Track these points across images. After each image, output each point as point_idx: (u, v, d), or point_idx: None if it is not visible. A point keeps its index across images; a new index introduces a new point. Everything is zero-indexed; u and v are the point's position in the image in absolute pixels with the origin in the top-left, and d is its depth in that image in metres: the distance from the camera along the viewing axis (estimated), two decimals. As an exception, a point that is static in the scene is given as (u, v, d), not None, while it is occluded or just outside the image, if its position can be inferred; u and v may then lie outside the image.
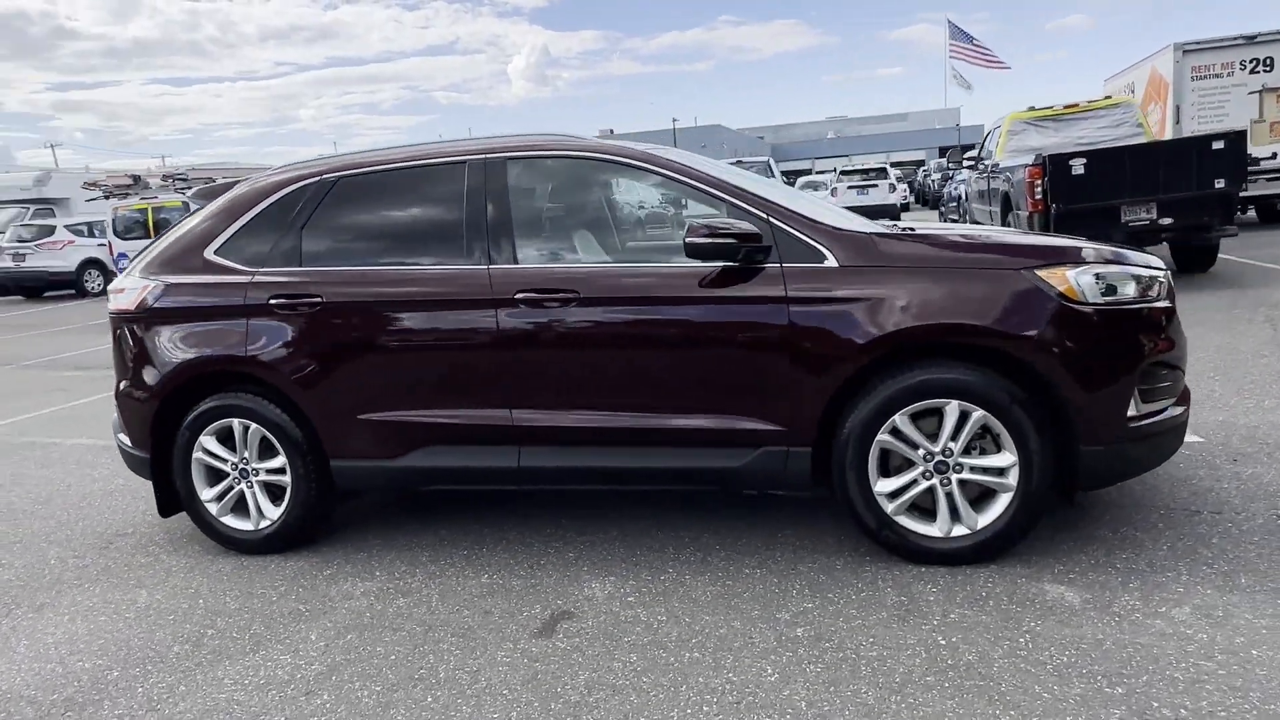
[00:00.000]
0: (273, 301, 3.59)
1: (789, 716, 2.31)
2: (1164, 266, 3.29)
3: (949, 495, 3.08)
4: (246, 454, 3.72)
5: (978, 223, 12.59)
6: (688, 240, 3.06)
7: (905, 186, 32.63)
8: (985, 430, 3.03)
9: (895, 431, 3.07)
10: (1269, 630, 2.52)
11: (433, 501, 4.20)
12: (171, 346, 3.73)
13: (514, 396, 3.39)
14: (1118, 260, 3.10)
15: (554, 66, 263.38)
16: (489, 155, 3.53)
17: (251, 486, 3.75)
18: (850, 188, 22.23)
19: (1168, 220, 8.31)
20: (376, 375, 3.52)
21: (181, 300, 3.75)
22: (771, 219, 3.18)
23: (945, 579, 3.00)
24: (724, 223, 3.07)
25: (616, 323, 3.26)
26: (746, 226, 3.08)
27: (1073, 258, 3.03)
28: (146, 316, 3.79)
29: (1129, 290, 3.05)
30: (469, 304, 3.38)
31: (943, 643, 2.61)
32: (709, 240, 3.03)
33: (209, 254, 3.79)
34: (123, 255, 14.10)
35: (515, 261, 3.40)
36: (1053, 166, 8.38)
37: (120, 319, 3.88)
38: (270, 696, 2.61)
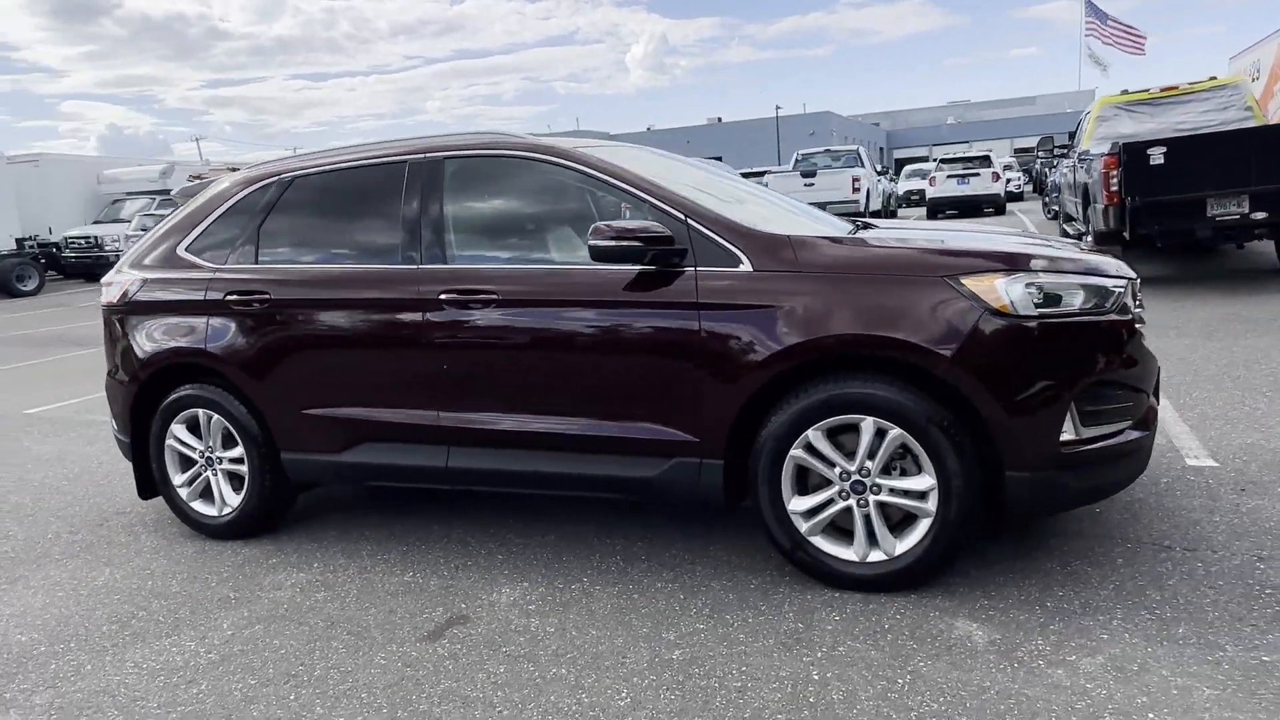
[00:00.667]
0: (229, 298, 3.72)
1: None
2: (1131, 276, 2.97)
3: (866, 517, 2.88)
4: (211, 443, 3.88)
5: (1069, 216, 11.78)
6: (590, 243, 2.96)
7: (1021, 175, 30.91)
8: (906, 450, 2.81)
9: (810, 447, 2.89)
10: (1180, 691, 2.24)
11: (405, 498, 4.27)
12: (146, 338, 3.92)
13: (441, 397, 3.39)
14: (1063, 269, 2.81)
15: (672, 55, 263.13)
16: (426, 155, 3.53)
17: (216, 474, 3.91)
18: (950, 177, 21.19)
19: (1261, 215, 7.51)
20: (320, 372, 3.59)
21: (156, 295, 3.94)
22: (690, 220, 3.05)
23: (855, 607, 2.81)
24: (629, 225, 2.96)
25: (533, 326, 3.20)
26: (656, 228, 2.96)
27: (1005, 265, 2.77)
28: (128, 309, 4.00)
29: (1075, 302, 2.76)
30: (401, 304, 3.40)
31: (815, 678, 2.44)
32: (612, 243, 2.93)
33: (181, 250, 3.96)
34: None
35: (444, 262, 3.39)
36: (1128, 155, 7.72)
37: (108, 310, 4.11)
38: (156, 683, 2.71)
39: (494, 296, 3.24)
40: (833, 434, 2.88)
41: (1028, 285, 2.73)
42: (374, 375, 3.50)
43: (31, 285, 18.66)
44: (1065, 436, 2.72)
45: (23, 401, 7.59)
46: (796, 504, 2.94)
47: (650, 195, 3.13)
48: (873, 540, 2.88)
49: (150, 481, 4.07)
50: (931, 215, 22.37)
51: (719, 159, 45.52)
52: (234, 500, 3.88)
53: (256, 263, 3.77)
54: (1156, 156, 7.61)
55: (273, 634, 2.98)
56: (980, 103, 77.09)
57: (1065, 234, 11.71)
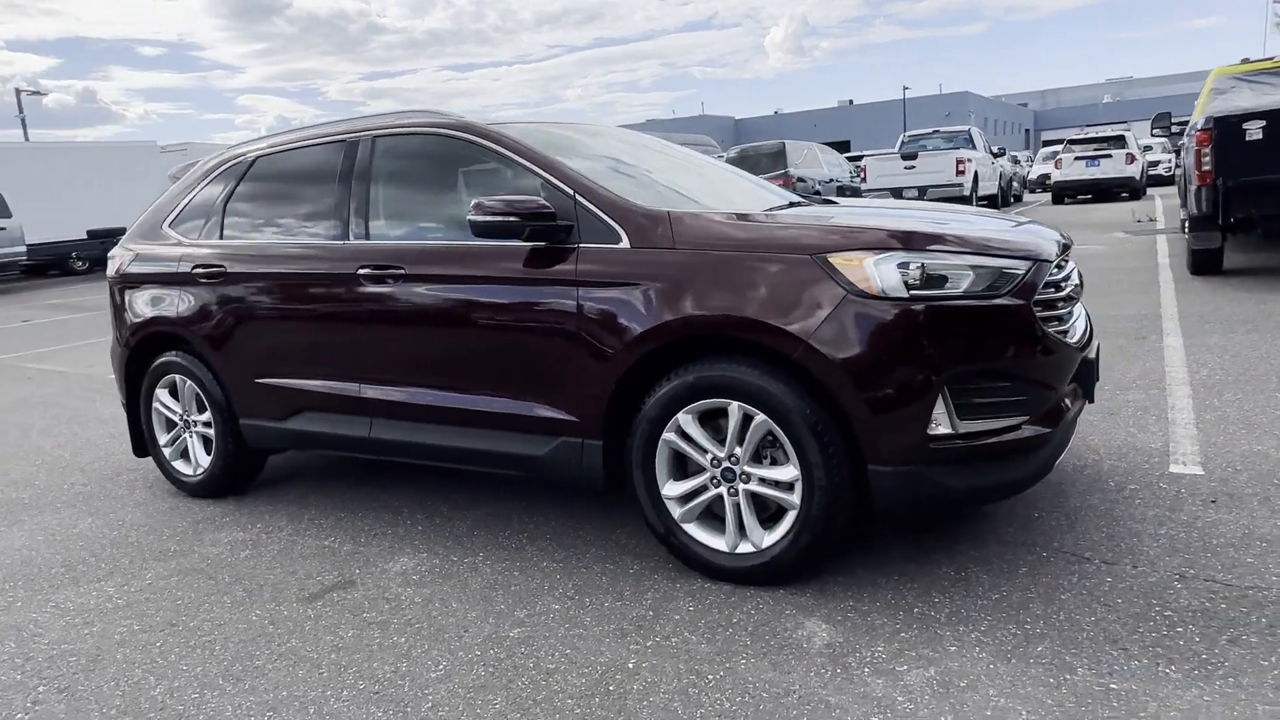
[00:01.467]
0: (194, 271, 3.96)
1: (399, 715, 2.23)
2: (1040, 257, 2.68)
3: (736, 506, 2.76)
4: (187, 407, 4.15)
5: (1185, 201, 10.71)
6: (469, 218, 2.96)
7: (1171, 157, 28.24)
8: (776, 439, 2.66)
9: (681, 431, 2.79)
10: (993, 713, 2.03)
11: (376, 468, 4.42)
12: (134, 308, 4.23)
13: (362, 370, 3.49)
14: (951, 248, 2.57)
15: (812, 36, 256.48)
16: (361, 134, 3.62)
17: (191, 437, 4.18)
18: (1078, 159, 19.64)
19: (1380, 197, 6.60)
20: (266, 344, 3.77)
21: (144, 268, 4.23)
22: (576, 196, 2.99)
23: (716, 599, 2.70)
24: (505, 199, 2.92)
25: (436, 302, 3.23)
26: (532, 203, 2.91)
27: (877, 244, 2.56)
28: (123, 281, 4.33)
29: (961, 284, 2.53)
30: (328, 279, 3.51)
31: (629, 666, 2.37)
32: (488, 218, 2.91)
33: (164, 226, 4.24)
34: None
35: (366, 238, 3.48)
36: (1221, 130, 6.95)
37: (110, 282, 4.45)
38: (60, 622, 2.94)
39: (401, 272, 3.29)
40: (706, 418, 2.77)
41: (901, 265, 2.52)
42: (309, 348, 3.64)
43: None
44: (939, 430, 2.50)
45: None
46: (670, 489, 2.85)
47: (544, 170, 3.09)
48: (742, 531, 2.76)
49: (143, 441, 4.39)
50: (1057, 200, 20.89)
51: (846, 144, 44.17)
52: (205, 461, 4.14)
53: (220, 238, 3.99)
54: (1254, 131, 6.81)
55: (183, 586, 3.16)
56: (1143, 79, 71.05)
57: (1183, 222, 10.69)
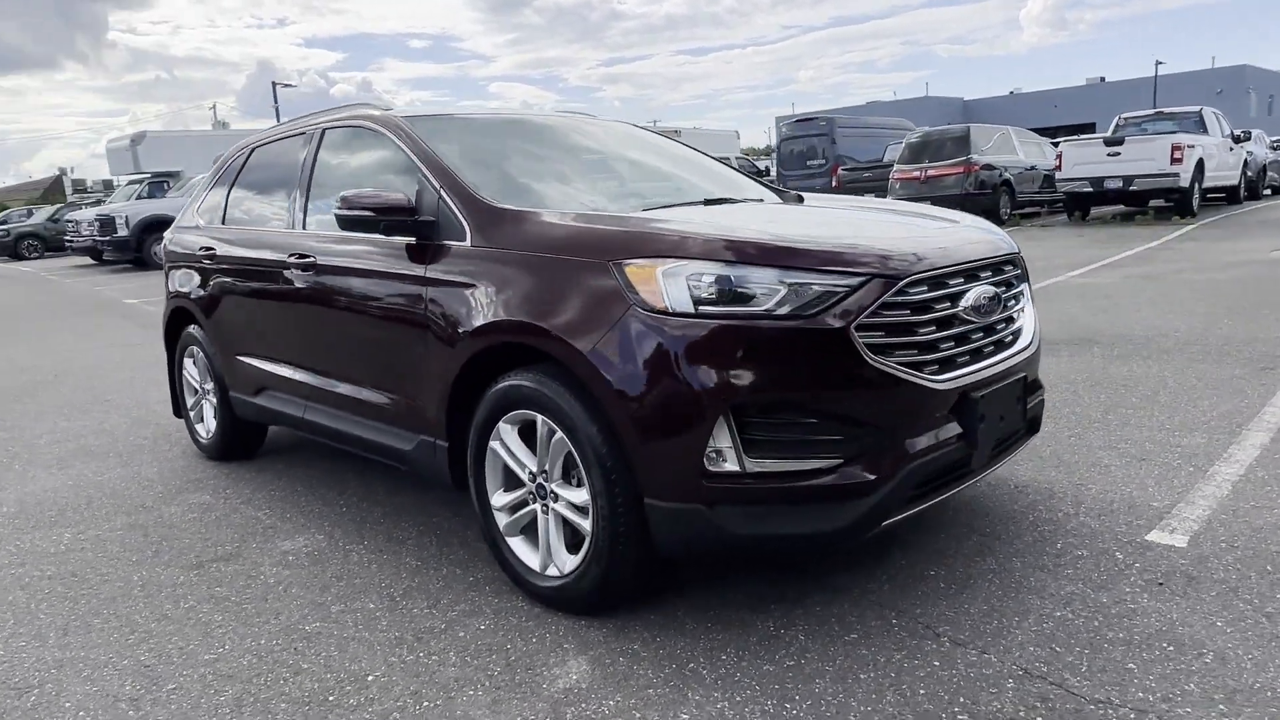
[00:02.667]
0: (198, 253, 4.31)
1: (141, 693, 2.31)
2: (887, 271, 2.27)
3: (547, 525, 2.59)
4: (200, 376, 4.55)
5: None
6: (333, 211, 2.97)
7: None
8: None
9: (504, 441, 2.66)
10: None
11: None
12: (168, 284, 4.69)
13: (294, 353, 3.65)
14: (756, 256, 2.24)
15: (1077, 8, 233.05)
16: (316, 127, 3.76)
17: (204, 403, 4.58)
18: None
19: None
20: (238, 323, 4.04)
21: (174, 248, 4.67)
22: (442, 192, 2.91)
23: (513, 620, 2.57)
24: (366, 193, 2.90)
25: (333, 292, 3.30)
26: (390, 198, 2.87)
27: (669, 250, 2.28)
28: (166, 259, 4.81)
29: (770, 300, 2.19)
30: (274, 265, 3.69)
31: (367, 680, 2.30)
32: (348, 212, 2.90)
33: (193, 211, 4.65)
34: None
35: (303, 227, 3.61)
36: None
37: (163, 261, 4.97)
38: (4, 562, 3.33)
39: (312, 262, 3.39)
40: (530, 430, 2.62)
41: (693, 278, 2.23)
42: (263, 331, 3.85)
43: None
44: (725, 467, 2.19)
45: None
46: (498, 499, 2.73)
47: (423, 165, 3.04)
48: (551, 552, 2.59)
49: (179, 403, 4.87)
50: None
51: (1090, 126, 39.58)
52: (213, 427, 4.52)
53: (223, 223, 4.31)
54: None
55: (119, 541, 3.47)
56: None
57: None
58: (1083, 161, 14.39)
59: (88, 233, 18.79)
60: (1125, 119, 16.28)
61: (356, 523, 3.48)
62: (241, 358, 4.05)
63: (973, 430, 2.42)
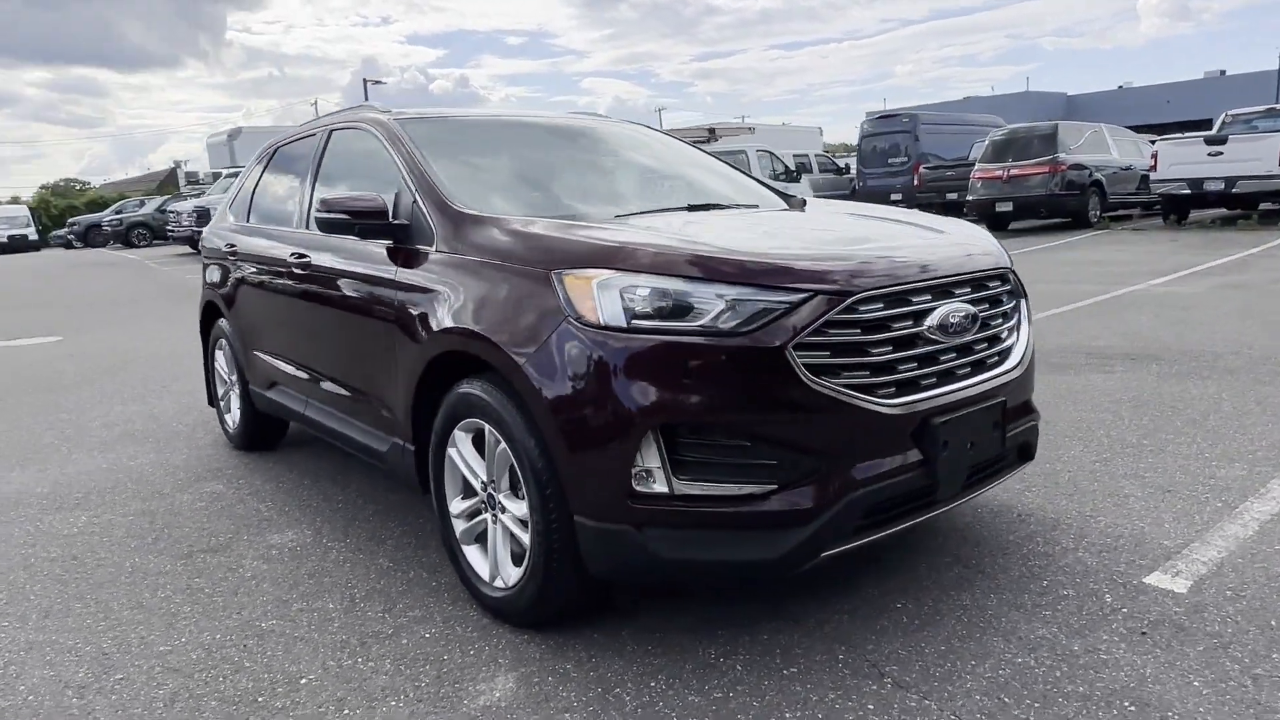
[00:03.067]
0: (224, 249, 4.45)
1: (83, 679, 2.38)
2: (836, 287, 2.14)
3: (494, 536, 2.56)
4: (228, 369, 4.71)
5: None
6: (313, 214, 3.00)
7: None
8: (525, 470, 2.42)
9: (458, 448, 2.64)
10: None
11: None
12: (205, 278, 4.86)
13: (295, 350, 3.72)
14: (693, 268, 2.14)
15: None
16: (325, 127, 3.82)
17: (231, 394, 4.73)
18: None
19: None
20: (256, 318, 4.15)
21: (208, 244, 4.84)
22: (417, 195, 2.91)
23: (458, 630, 2.55)
24: (343, 196, 2.92)
25: (321, 292, 3.34)
26: (366, 203, 2.88)
27: (606, 259, 2.20)
28: (203, 254, 4.99)
29: (706, 315, 2.10)
30: (280, 263, 3.77)
31: (300, 683, 2.31)
32: (325, 214, 2.92)
33: (226, 208, 4.80)
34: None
35: (307, 226, 3.67)
36: None
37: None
38: (20, 539, 3.51)
39: (309, 260, 3.44)
40: (482, 438, 2.59)
41: (628, 290, 2.15)
42: (275, 327, 3.95)
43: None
44: (653, 488, 2.11)
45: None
46: (455, 505, 2.71)
47: (404, 169, 3.04)
48: (498, 563, 2.55)
49: (212, 394, 5.06)
50: None
51: (1207, 123, 37.10)
52: (238, 417, 4.67)
53: (246, 220, 4.44)
54: None
55: (126, 527, 3.61)
56: None
57: None
58: (1181, 161, 13.50)
59: (187, 223, 19.78)
60: (1232, 116, 15.19)
61: (346, 519, 3.53)
62: (256, 352, 4.17)
63: (933, 458, 2.26)
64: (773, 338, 2.07)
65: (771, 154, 17.89)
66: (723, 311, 2.09)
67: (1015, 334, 2.65)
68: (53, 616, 2.80)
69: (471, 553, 2.69)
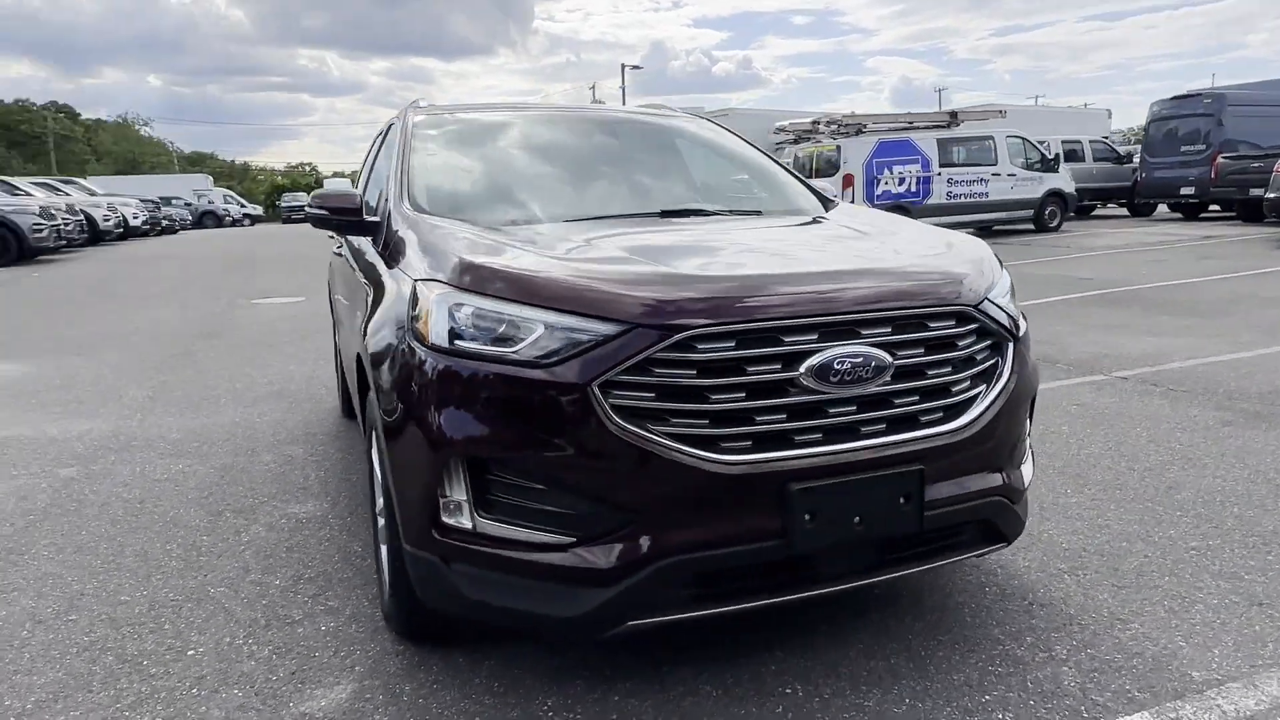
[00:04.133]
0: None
1: (81, 624, 2.70)
2: (640, 321, 1.85)
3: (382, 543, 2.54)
4: (339, 342, 5.12)
5: None
6: (305, 208, 3.12)
7: None
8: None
9: (372, 455, 2.64)
10: None
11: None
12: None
13: (341, 327, 3.95)
14: (513, 291, 1.95)
15: None
16: (388, 123, 3.97)
17: (340, 366, 5.15)
18: None
19: None
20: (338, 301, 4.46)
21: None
22: (389, 194, 2.94)
23: (348, 633, 2.56)
24: (323, 192, 3.01)
25: (352, 275, 3.48)
26: (342, 200, 2.96)
27: (445, 273, 2.07)
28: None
29: (522, 343, 1.92)
30: (338, 253, 4.00)
31: (190, 653, 2.46)
32: (311, 209, 3.03)
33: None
34: (794, 192, 16.23)
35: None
36: None
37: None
38: (107, 480, 4.07)
39: (342, 249, 3.62)
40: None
41: (455, 307, 2.01)
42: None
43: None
44: (461, 522, 1.97)
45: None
46: (378, 506, 2.72)
47: (395, 167, 3.08)
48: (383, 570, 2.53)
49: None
50: None
51: None
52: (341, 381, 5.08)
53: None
54: None
55: (196, 477, 4.04)
56: None
57: None
58: None
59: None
60: None
61: (366, 496, 3.70)
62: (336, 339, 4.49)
63: (791, 530, 1.89)
64: (576, 373, 1.84)
65: (1024, 140, 16.06)
66: (538, 339, 1.89)
67: (976, 387, 2.14)
68: (81, 553, 3.21)
69: (384, 554, 2.69)
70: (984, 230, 16.82)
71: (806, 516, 1.90)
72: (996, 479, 2.18)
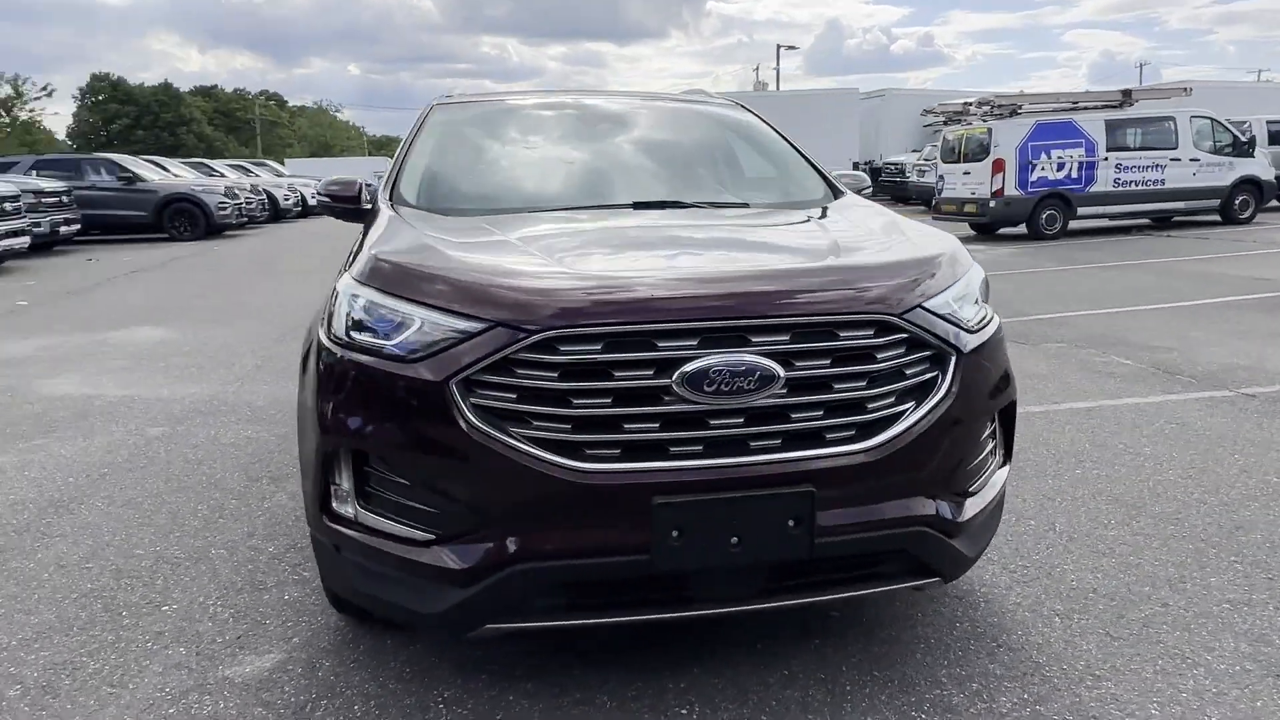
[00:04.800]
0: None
1: (71, 581, 2.98)
2: (500, 319, 1.80)
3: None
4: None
5: None
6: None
7: None
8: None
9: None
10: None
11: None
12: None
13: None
14: (395, 285, 1.97)
15: None
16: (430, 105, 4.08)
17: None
18: None
19: None
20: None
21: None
22: (380, 183, 3.02)
23: (319, 605, 2.67)
24: (330, 179, 3.12)
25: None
26: (342, 188, 3.06)
27: (358, 263, 2.11)
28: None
29: (400, 336, 1.93)
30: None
31: (165, 608, 2.65)
32: (318, 196, 3.15)
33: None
34: (941, 177, 15.28)
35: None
36: None
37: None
38: (92, 453, 4.44)
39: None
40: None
41: (354, 298, 2.04)
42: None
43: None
44: (347, 510, 2.01)
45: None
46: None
47: (397, 155, 3.16)
48: (341, 548, 2.62)
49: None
50: None
51: None
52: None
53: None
54: None
55: (260, 444, 4.35)
56: None
57: None
58: None
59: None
60: None
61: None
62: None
63: (656, 545, 1.79)
64: (435, 370, 1.82)
65: (1213, 120, 14.28)
66: (410, 334, 1.89)
67: (902, 404, 1.93)
68: (126, 507, 3.53)
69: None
70: (1161, 221, 15.21)
71: (674, 533, 1.79)
72: (921, 507, 1.96)
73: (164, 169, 19.10)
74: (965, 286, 2.15)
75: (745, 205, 2.89)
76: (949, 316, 2.02)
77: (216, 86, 77.80)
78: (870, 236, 2.35)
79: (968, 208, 14.31)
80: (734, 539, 1.82)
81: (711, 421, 1.82)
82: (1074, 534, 3.02)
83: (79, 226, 15.02)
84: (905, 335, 1.94)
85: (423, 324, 1.88)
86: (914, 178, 20.70)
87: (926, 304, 1.99)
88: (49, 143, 53.96)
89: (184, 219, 17.37)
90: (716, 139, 3.49)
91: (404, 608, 1.96)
